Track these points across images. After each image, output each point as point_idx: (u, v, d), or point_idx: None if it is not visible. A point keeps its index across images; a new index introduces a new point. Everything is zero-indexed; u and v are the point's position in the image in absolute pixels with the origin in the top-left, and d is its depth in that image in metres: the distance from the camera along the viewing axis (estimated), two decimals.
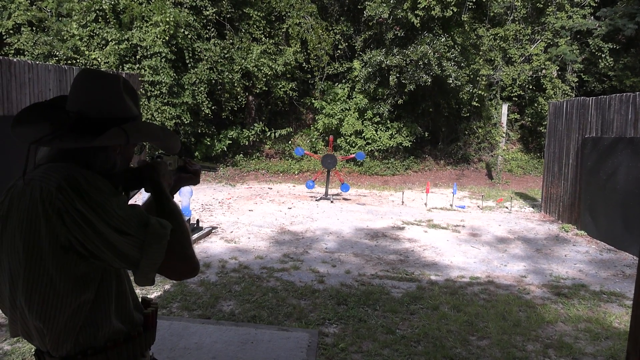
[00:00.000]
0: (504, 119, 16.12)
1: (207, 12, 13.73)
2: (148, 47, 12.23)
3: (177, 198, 9.16)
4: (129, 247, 1.27)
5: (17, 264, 1.27)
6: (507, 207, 10.97)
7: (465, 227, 8.91)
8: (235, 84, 14.10)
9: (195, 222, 7.81)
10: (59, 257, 1.25)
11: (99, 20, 12.76)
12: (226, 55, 14.02)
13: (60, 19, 13.02)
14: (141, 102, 11.77)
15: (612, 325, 4.77)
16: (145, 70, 12.20)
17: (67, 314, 1.29)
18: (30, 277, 1.26)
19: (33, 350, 1.48)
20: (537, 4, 16.53)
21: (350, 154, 14.21)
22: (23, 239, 1.25)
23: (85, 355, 1.34)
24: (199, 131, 13.79)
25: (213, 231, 8.01)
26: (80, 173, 1.29)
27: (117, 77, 1.46)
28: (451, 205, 11.02)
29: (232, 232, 8.06)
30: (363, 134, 15.43)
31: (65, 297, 1.28)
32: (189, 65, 13.15)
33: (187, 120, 12.91)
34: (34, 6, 13.00)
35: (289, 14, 15.26)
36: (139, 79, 11.79)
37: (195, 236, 7.36)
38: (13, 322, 1.39)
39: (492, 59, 16.34)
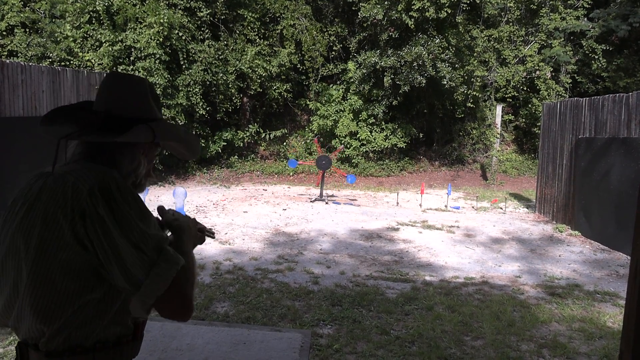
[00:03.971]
0: (499, 120, 16.17)
1: (201, 14, 13.71)
2: (142, 49, 12.19)
3: (172, 200, 9.14)
4: (138, 265, 1.28)
5: (31, 250, 1.28)
6: (501, 208, 10.99)
7: (459, 227, 8.91)
8: (230, 86, 14.08)
9: None
10: (72, 253, 1.27)
11: (93, 22, 12.70)
12: (220, 57, 14.00)
13: (53, 20, 12.96)
14: None
15: (606, 325, 4.78)
16: (139, 72, 12.16)
17: (71, 310, 1.29)
18: (40, 267, 1.27)
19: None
20: (531, 6, 16.60)
21: (343, 170, 14.18)
22: (42, 227, 1.28)
23: (73, 353, 1.33)
24: (194, 133, 13.74)
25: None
26: (115, 181, 1.32)
27: (143, 80, 1.53)
28: (446, 206, 11.03)
29: (226, 233, 8.04)
30: (358, 135, 15.43)
31: (72, 294, 1.29)
32: (183, 66, 13.12)
33: (181, 121, 12.88)
34: (27, 8, 12.95)
35: (283, 15, 15.26)
36: None
37: None
38: (7, 310, 1.37)
39: (487, 60, 16.40)
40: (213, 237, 1.86)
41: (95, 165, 1.37)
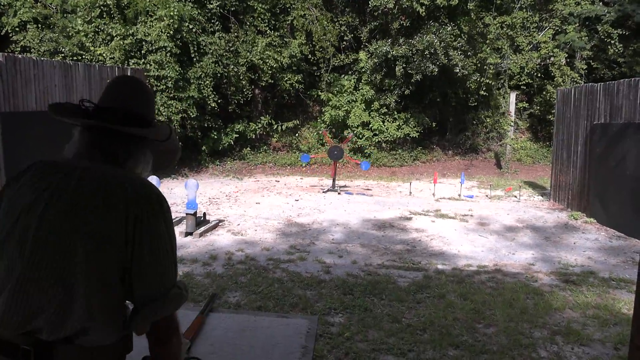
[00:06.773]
0: (512, 108, 15.97)
1: (211, 6, 13.70)
2: (153, 42, 12.22)
3: (184, 192, 9.19)
4: (172, 278, 1.39)
5: (89, 244, 1.30)
6: (515, 196, 10.89)
7: (473, 216, 8.85)
8: (241, 77, 14.08)
9: (202, 215, 7.83)
10: (116, 248, 1.31)
11: (104, 16, 12.76)
12: (231, 49, 13.99)
13: (65, 15, 13.04)
14: None
15: (621, 312, 4.72)
16: (150, 65, 12.21)
17: (112, 303, 1.34)
18: (95, 261, 1.30)
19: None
20: None
21: (356, 159, 13.91)
22: (96, 224, 1.31)
23: (103, 346, 1.35)
24: (206, 125, 13.79)
25: (220, 224, 8.02)
26: (164, 199, 1.43)
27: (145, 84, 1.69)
28: (459, 195, 10.95)
29: (239, 224, 8.06)
30: (370, 126, 15.35)
31: (114, 287, 1.33)
32: (194, 59, 13.13)
33: (193, 114, 12.91)
34: (39, 3, 13.04)
35: (293, 5, 15.19)
36: (145, 73, 11.80)
37: (202, 229, 7.38)
38: (38, 309, 1.28)
39: (500, 47, 16.17)
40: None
41: (144, 181, 1.44)
